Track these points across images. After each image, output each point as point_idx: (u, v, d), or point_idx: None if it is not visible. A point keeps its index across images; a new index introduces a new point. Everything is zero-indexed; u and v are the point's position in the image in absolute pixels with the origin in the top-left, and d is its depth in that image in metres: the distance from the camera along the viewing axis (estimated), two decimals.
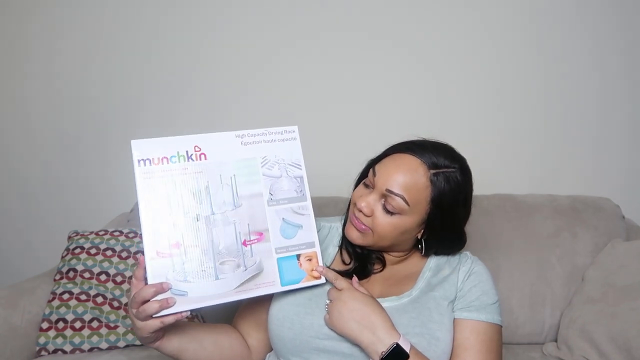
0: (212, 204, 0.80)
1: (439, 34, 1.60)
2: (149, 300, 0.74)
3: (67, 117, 1.83)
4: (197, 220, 0.78)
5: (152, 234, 0.76)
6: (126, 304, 1.29)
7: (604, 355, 1.09)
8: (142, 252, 0.76)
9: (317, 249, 0.86)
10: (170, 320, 0.74)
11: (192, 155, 0.80)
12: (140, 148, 0.78)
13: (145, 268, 0.75)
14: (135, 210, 1.61)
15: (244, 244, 0.81)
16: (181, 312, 0.75)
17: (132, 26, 1.75)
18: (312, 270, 0.84)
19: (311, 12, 1.64)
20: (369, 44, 1.63)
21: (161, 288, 0.74)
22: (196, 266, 0.77)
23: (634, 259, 1.22)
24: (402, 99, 1.64)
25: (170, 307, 0.74)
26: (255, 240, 0.82)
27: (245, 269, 0.80)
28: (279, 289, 0.82)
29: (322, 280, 0.85)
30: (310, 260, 0.85)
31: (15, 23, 1.80)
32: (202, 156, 0.80)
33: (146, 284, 0.75)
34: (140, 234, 1.36)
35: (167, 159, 0.78)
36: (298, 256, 0.84)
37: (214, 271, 0.78)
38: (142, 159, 0.77)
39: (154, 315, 0.74)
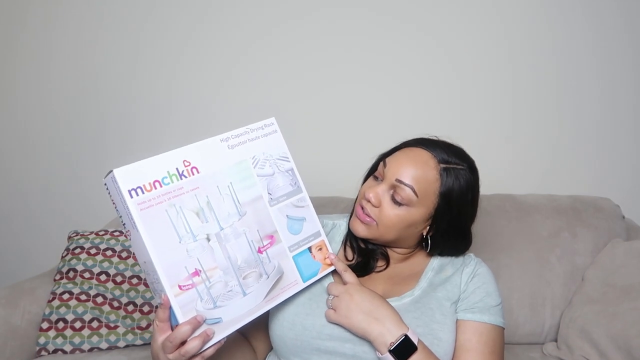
0: (218, 219, 0.74)
1: (441, 35, 1.60)
2: (186, 340, 0.68)
3: (67, 118, 1.83)
4: (209, 240, 0.73)
5: (168, 268, 0.68)
6: (126, 304, 1.29)
7: (604, 355, 1.09)
8: (164, 292, 0.68)
9: (324, 237, 0.87)
10: (210, 352, 0.70)
11: (183, 172, 0.72)
12: (126, 176, 0.66)
13: (170, 308, 0.68)
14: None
15: (259, 251, 0.78)
16: (220, 341, 0.71)
17: (122, 27, 1.75)
18: (325, 258, 0.85)
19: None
20: (368, 46, 1.63)
21: (197, 323, 0.68)
22: (221, 288, 0.72)
23: (634, 259, 1.22)
24: (401, 100, 1.64)
25: (211, 338, 0.69)
26: (269, 245, 0.79)
27: (268, 277, 0.78)
28: (302, 286, 0.82)
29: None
30: (320, 249, 0.86)
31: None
32: (194, 170, 0.73)
33: (171, 324, 0.70)
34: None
35: (159, 182, 0.69)
36: (310, 249, 0.84)
37: (240, 288, 0.74)
38: (133, 189, 0.67)
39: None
